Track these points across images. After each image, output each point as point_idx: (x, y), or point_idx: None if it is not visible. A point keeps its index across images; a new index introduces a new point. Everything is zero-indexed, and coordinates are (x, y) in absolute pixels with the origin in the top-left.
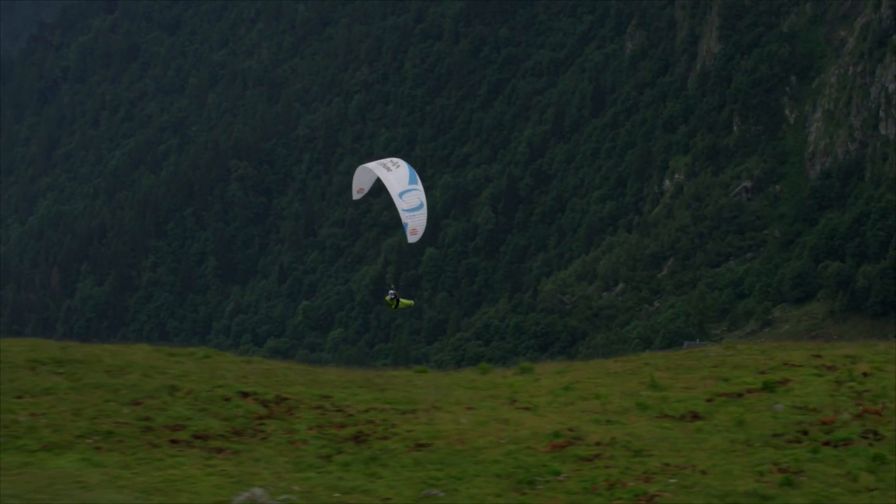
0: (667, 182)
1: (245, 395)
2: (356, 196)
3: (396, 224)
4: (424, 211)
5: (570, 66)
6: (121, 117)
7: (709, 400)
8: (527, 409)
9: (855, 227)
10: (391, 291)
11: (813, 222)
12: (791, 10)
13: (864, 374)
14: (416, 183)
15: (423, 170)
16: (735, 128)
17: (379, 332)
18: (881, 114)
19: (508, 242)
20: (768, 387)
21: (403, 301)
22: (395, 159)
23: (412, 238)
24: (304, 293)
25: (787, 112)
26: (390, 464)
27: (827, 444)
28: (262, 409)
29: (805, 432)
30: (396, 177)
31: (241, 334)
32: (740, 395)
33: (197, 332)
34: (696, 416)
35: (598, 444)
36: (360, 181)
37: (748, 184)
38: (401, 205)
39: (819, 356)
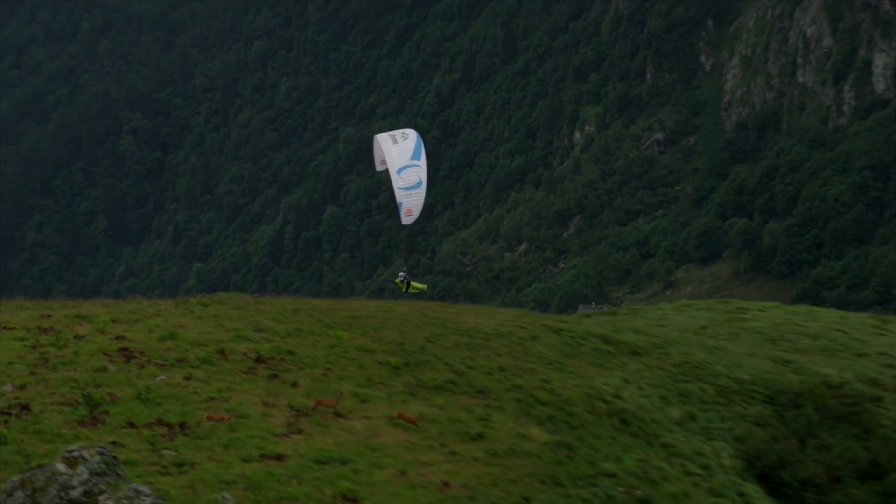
0: (577, 134)
1: None
2: (379, 168)
3: (298, 180)
4: (423, 190)
5: (482, 9)
6: (7, 65)
7: None
8: None
9: (764, 181)
10: (401, 274)
11: (727, 176)
12: None
13: (77, 337)
14: (419, 158)
15: (327, 121)
16: (648, 76)
17: (276, 296)
18: (798, 59)
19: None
20: None
21: (415, 284)
22: (406, 131)
23: (407, 219)
24: (199, 255)
25: (703, 59)
26: None
27: None
28: None
29: None
30: (399, 151)
31: (127, 293)
32: None
33: (86, 297)
34: None
35: None
36: (381, 152)
37: (660, 136)
38: (397, 182)
39: (49, 316)
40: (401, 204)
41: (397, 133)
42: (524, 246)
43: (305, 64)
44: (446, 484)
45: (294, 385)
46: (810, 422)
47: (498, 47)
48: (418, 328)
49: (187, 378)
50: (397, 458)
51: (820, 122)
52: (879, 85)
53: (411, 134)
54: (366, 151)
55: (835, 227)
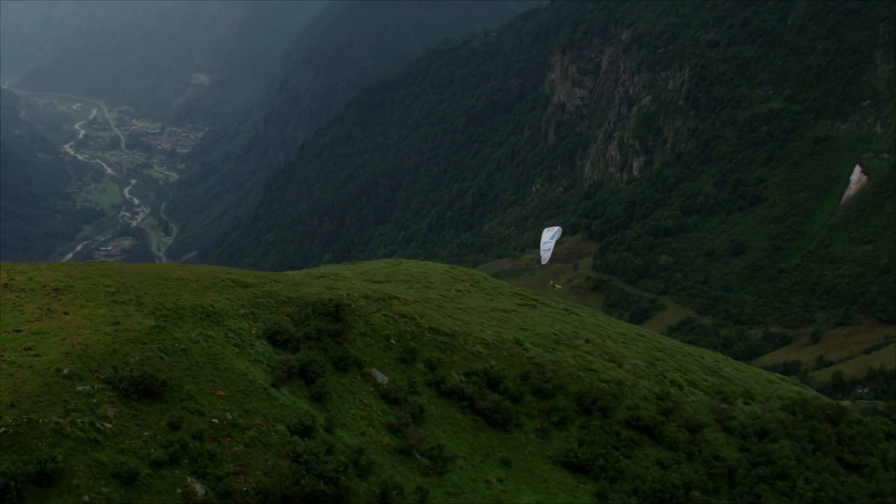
0: (533, 189)
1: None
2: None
3: (437, 203)
4: (550, 252)
5: (504, 143)
6: (342, 162)
7: None
8: None
9: (593, 207)
10: (552, 282)
11: (582, 205)
12: (579, 123)
13: None
14: (553, 240)
15: (450, 183)
16: (558, 167)
17: (427, 244)
18: (610, 165)
19: (478, 210)
20: None
21: (556, 286)
22: (555, 227)
23: (543, 263)
24: (402, 228)
25: (577, 163)
26: None
27: None
28: None
29: None
30: (547, 235)
31: (379, 245)
32: None
33: (363, 245)
34: None
35: None
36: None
37: (562, 189)
38: (541, 248)
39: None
40: (541, 255)
41: (550, 227)
42: (512, 227)
43: (442, 162)
44: (79, 343)
45: (60, 300)
46: (314, 310)
47: (508, 156)
48: (142, 276)
49: (18, 297)
50: (68, 332)
51: (615, 186)
52: (635, 172)
53: (556, 228)
54: (460, 193)
55: (615, 223)
